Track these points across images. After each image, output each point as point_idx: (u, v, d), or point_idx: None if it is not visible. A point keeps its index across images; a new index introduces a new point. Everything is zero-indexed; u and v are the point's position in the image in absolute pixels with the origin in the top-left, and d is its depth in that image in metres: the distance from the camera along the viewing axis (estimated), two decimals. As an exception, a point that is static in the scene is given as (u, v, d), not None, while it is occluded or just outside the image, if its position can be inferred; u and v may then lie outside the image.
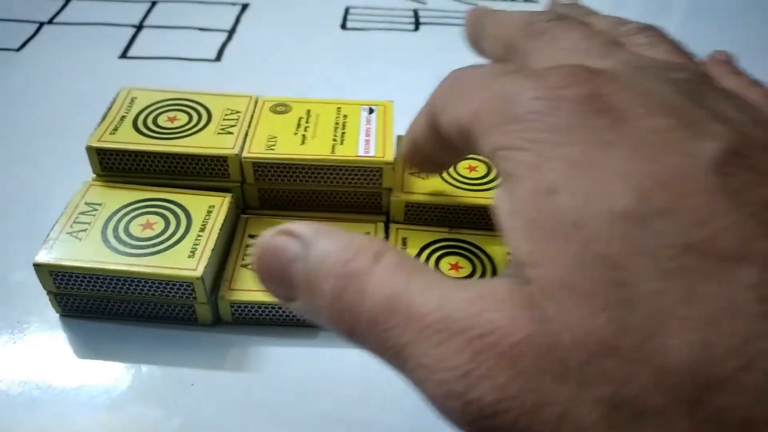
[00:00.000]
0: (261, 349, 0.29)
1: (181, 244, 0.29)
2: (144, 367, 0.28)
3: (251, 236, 0.32)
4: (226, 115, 0.34)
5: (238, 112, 0.34)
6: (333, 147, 0.32)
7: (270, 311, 0.29)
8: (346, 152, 0.32)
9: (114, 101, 0.35)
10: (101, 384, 0.27)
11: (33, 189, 0.37)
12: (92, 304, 0.29)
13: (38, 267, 0.28)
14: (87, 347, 0.29)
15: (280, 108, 0.35)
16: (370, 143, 0.32)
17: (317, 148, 0.32)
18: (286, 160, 0.32)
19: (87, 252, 0.28)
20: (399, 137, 0.37)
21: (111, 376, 0.28)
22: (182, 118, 0.34)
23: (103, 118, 0.34)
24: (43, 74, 0.46)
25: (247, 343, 0.29)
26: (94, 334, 0.29)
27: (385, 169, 0.32)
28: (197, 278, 0.28)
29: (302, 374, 0.28)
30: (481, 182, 0.34)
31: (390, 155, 0.32)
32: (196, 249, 0.29)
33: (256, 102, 0.35)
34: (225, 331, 0.30)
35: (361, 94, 0.41)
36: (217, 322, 0.30)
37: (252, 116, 0.34)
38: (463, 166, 0.35)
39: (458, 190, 0.33)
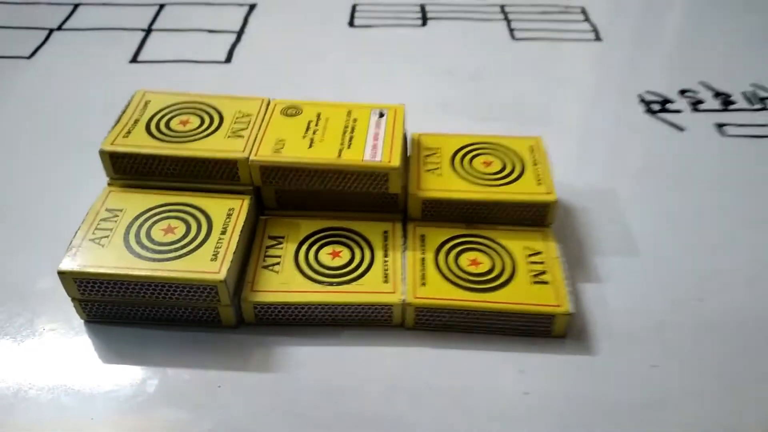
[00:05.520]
0: (285, 350, 0.29)
1: (203, 247, 0.29)
2: (171, 371, 0.28)
3: (271, 237, 0.32)
4: (237, 118, 0.34)
5: (249, 115, 0.34)
6: (340, 151, 0.32)
7: (293, 311, 0.30)
8: (353, 157, 0.32)
9: (129, 104, 0.35)
10: (129, 388, 0.28)
11: (51, 196, 0.37)
12: (117, 310, 0.30)
13: (62, 275, 0.28)
14: (113, 352, 0.29)
15: (291, 111, 0.35)
16: (378, 148, 0.32)
17: (324, 152, 0.32)
18: (292, 164, 0.32)
19: (110, 258, 0.29)
20: (414, 136, 0.37)
21: (138, 380, 0.28)
22: (194, 122, 0.34)
23: (117, 121, 0.34)
24: (55, 80, 0.47)
25: (271, 343, 0.30)
26: (120, 339, 0.30)
27: (391, 174, 0.32)
28: (221, 281, 0.28)
29: (327, 374, 0.28)
30: (497, 177, 0.34)
31: (397, 160, 0.32)
32: (218, 252, 0.29)
33: (268, 105, 0.35)
34: (249, 332, 0.30)
35: (371, 90, 0.41)
36: (240, 323, 0.30)
37: (263, 119, 0.34)
38: (479, 162, 0.35)
39: (474, 185, 0.33)
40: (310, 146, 0.32)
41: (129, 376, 0.28)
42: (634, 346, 0.30)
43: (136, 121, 0.34)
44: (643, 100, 0.47)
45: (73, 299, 0.29)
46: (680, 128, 0.44)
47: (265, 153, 0.32)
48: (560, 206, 0.36)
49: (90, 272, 0.28)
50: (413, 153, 0.36)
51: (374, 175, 0.32)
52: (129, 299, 0.29)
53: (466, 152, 0.36)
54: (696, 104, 0.47)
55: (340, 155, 0.32)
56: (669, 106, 0.46)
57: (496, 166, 0.35)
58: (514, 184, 0.34)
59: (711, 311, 0.32)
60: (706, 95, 0.48)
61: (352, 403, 0.27)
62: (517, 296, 0.30)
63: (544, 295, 0.30)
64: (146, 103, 0.35)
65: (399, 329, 0.30)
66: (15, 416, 0.27)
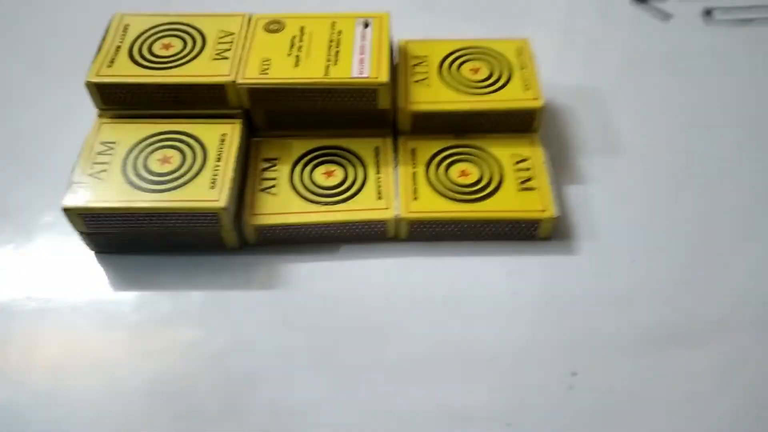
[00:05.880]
0: (287, 267, 0.31)
1: (201, 175, 0.30)
2: (181, 294, 0.30)
3: (265, 159, 0.33)
4: (220, 38, 0.34)
5: (231, 33, 0.34)
6: (327, 68, 0.32)
7: (292, 231, 0.31)
8: (340, 74, 0.32)
9: (107, 30, 0.34)
10: (142, 312, 0.30)
11: (41, 129, 0.37)
12: (124, 240, 0.31)
13: (68, 211, 0.29)
14: (124, 280, 0.31)
15: (274, 26, 0.34)
16: (365, 62, 0.32)
17: (311, 70, 0.32)
18: (279, 85, 0.32)
19: (112, 192, 0.29)
20: (401, 43, 0.36)
21: (150, 304, 0.30)
22: (177, 45, 0.33)
23: (99, 49, 0.33)
24: (28, 4, 0.45)
25: (273, 262, 0.31)
26: (129, 266, 0.31)
27: (379, 90, 0.32)
28: (222, 208, 0.29)
29: (327, 288, 0.30)
30: (485, 85, 0.34)
31: (385, 75, 0.32)
32: (216, 179, 0.30)
33: (249, 20, 0.35)
34: (251, 252, 0.32)
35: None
36: (243, 245, 0.32)
37: (245, 37, 0.34)
38: (466, 69, 0.35)
39: (463, 95, 0.34)
40: (297, 64, 0.32)
41: (141, 300, 0.30)
42: (614, 245, 0.32)
43: (118, 48, 0.33)
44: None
45: (81, 233, 0.31)
46: (667, 15, 0.44)
47: (251, 75, 0.32)
48: (546, 108, 0.37)
49: (94, 207, 0.29)
50: (400, 63, 0.35)
51: (363, 92, 0.32)
52: (134, 230, 0.30)
53: (454, 59, 0.36)
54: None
55: (327, 72, 0.32)
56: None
57: (484, 72, 0.35)
58: (502, 91, 0.34)
59: (684, 209, 0.33)
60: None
61: (352, 313, 0.30)
62: (505, 204, 0.31)
63: (531, 201, 0.31)
64: (125, 27, 0.34)
65: (393, 241, 0.32)
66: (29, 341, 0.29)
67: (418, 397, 0.27)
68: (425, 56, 0.36)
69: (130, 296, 0.30)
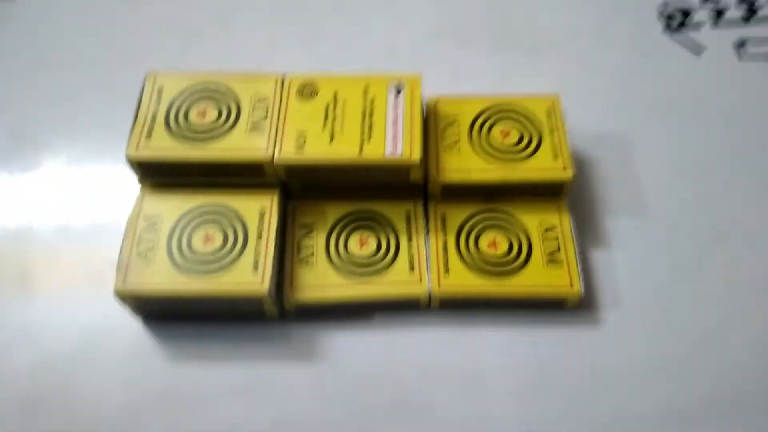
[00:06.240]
0: (325, 338, 0.33)
1: (243, 256, 0.31)
2: (226, 367, 0.32)
3: (301, 226, 0.34)
4: (254, 103, 0.34)
5: (265, 98, 0.34)
6: (361, 145, 0.33)
7: (329, 305, 0.33)
8: (374, 152, 0.32)
9: (142, 94, 0.35)
10: (191, 385, 0.32)
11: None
12: (169, 312, 0.33)
13: (119, 294, 0.31)
14: (171, 349, 0.33)
15: (307, 91, 0.35)
16: (398, 138, 0.33)
17: (346, 148, 0.32)
18: (315, 163, 0.32)
19: (159, 276, 0.31)
20: (431, 101, 0.36)
21: (198, 377, 0.32)
22: (212, 112, 0.34)
23: (135, 117, 0.34)
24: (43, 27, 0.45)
25: (311, 332, 0.33)
26: (175, 335, 0.33)
27: (412, 168, 0.32)
28: (264, 293, 0.31)
29: (364, 361, 0.32)
30: (515, 151, 0.35)
31: (417, 153, 0.32)
32: (258, 260, 0.31)
33: (282, 83, 0.35)
34: (290, 321, 0.33)
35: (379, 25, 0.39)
36: (282, 314, 0.33)
37: (280, 104, 0.34)
38: (497, 132, 0.35)
39: (493, 163, 0.34)
40: (332, 140, 0.33)
41: (186, 373, 0.32)
42: (638, 314, 0.33)
43: (154, 117, 0.34)
44: (662, 14, 0.45)
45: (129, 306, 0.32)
46: (700, 48, 0.43)
47: (288, 151, 0.33)
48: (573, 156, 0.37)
49: (143, 292, 0.31)
50: (430, 123, 0.36)
51: (396, 169, 0.33)
52: (180, 307, 0.32)
53: (484, 120, 0.36)
54: (719, 14, 0.45)
55: (361, 151, 0.33)
56: (689, 19, 0.45)
57: (514, 136, 0.35)
58: (532, 159, 0.34)
59: (709, 274, 0.34)
60: (728, 1, 0.45)
61: (387, 390, 0.31)
62: (533, 279, 0.33)
63: (558, 276, 0.33)
64: (159, 91, 0.35)
65: (425, 310, 0.34)
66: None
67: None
68: (455, 116, 0.36)
69: (177, 369, 0.32)
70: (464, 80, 0.42)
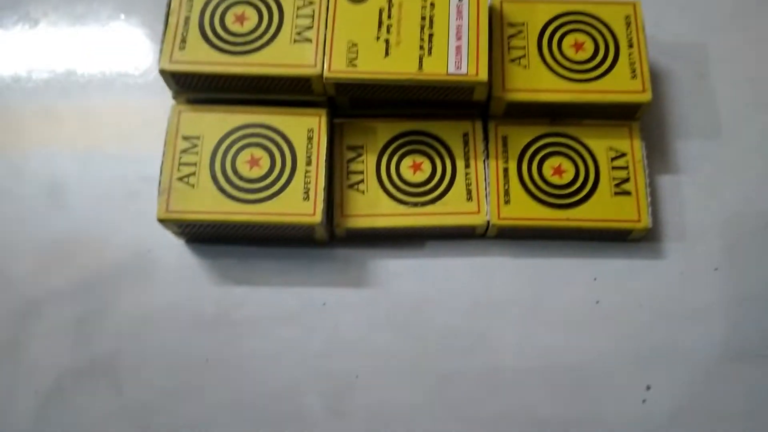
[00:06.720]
0: (375, 263, 0.32)
1: (293, 184, 0.29)
2: (275, 291, 0.31)
3: (349, 148, 0.32)
4: (298, 7, 0.30)
5: (311, 2, 0.30)
6: (420, 60, 0.29)
7: (380, 232, 0.31)
8: (436, 68, 0.29)
9: (171, -4, 0.30)
10: (236, 309, 0.31)
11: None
12: (215, 236, 0.31)
13: (163, 221, 0.29)
14: (216, 273, 0.32)
15: (359, -9, 0.30)
16: (462, 52, 0.29)
17: (403, 63, 0.29)
18: (369, 80, 0.29)
19: (205, 203, 0.29)
20: (495, 3, 0.32)
21: (244, 300, 0.31)
22: (252, 17, 0.30)
23: (166, 23, 0.30)
24: None
25: (362, 257, 0.32)
26: (220, 257, 0.32)
27: (477, 87, 0.29)
28: (318, 223, 0.29)
29: (415, 286, 0.31)
30: (588, 68, 0.31)
31: (484, 71, 0.29)
32: (308, 189, 0.29)
33: (329, -19, 0.31)
34: (340, 247, 0.32)
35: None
36: (331, 238, 0.32)
37: (327, 9, 0.30)
38: (568, 44, 0.32)
39: (564, 81, 0.31)
40: (387, 53, 0.29)
41: (234, 297, 0.31)
42: (702, 248, 0.32)
43: (187, 21, 0.30)
44: None
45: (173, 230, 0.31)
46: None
47: (338, 67, 0.29)
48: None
49: (188, 218, 0.29)
50: (495, 31, 0.32)
51: (459, 88, 0.30)
52: (227, 232, 0.30)
53: (555, 28, 0.32)
54: None
55: (421, 66, 0.29)
56: None
57: (588, 49, 0.32)
58: (606, 77, 0.31)
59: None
60: None
61: (441, 317, 0.31)
62: (599, 211, 0.31)
63: (625, 208, 0.31)
64: (190, -10, 0.31)
65: (480, 239, 0.32)
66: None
67: (505, 405, 0.30)
68: (523, 24, 0.32)
69: (225, 292, 0.31)
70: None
